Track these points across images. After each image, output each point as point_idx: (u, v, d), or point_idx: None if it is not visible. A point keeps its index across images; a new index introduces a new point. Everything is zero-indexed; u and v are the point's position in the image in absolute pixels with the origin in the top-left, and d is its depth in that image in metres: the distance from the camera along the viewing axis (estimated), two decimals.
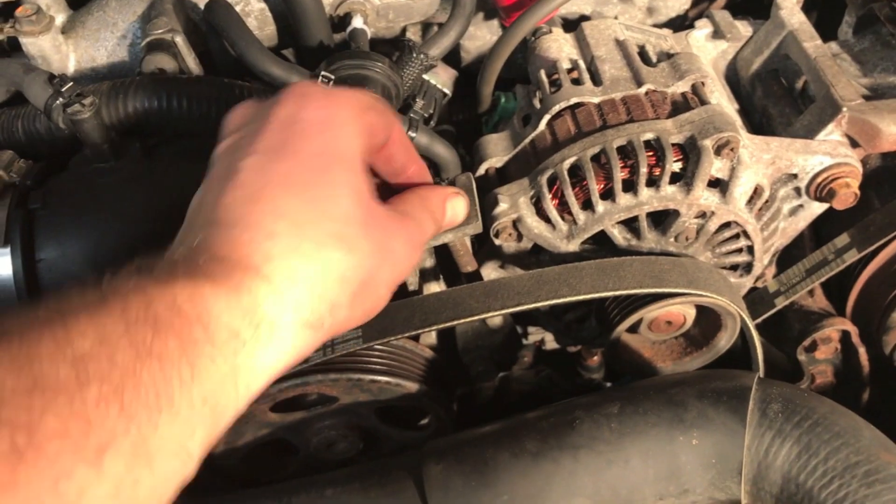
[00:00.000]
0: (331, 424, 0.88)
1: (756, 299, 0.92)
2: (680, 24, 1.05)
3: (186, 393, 0.45)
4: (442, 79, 1.02)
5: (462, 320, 0.79)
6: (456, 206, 0.73)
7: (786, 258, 0.97)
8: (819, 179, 0.86)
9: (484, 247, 0.89)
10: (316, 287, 0.54)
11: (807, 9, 1.14)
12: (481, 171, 0.91)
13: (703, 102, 0.85)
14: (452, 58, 1.06)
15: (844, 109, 0.84)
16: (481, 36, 1.03)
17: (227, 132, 0.62)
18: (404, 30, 1.04)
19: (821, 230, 0.96)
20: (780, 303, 0.90)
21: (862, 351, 0.93)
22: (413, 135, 0.89)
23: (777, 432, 0.67)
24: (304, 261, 0.53)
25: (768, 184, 0.85)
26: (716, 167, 0.80)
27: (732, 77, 1.00)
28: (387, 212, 0.61)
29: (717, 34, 0.97)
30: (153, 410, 0.44)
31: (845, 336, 0.93)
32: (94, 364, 0.42)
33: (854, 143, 0.87)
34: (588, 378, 1.05)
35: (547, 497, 0.71)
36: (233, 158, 0.57)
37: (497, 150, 0.91)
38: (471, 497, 0.73)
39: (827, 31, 1.04)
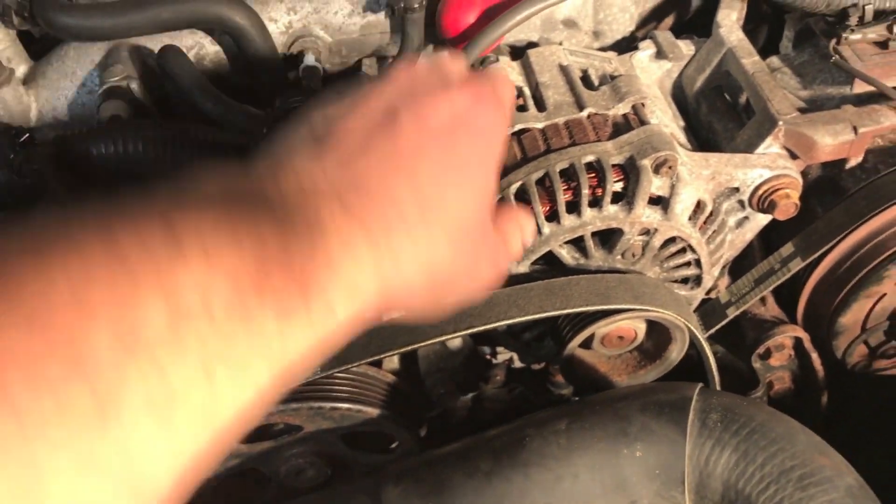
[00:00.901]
0: (298, 452, 0.91)
1: (709, 310, 0.95)
2: (627, 45, 1.08)
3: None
4: None
5: (417, 345, 0.81)
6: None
7: (738, 269, 0.99)
8: (760, 192, 0.88)
9: None
10: (409, 265, 0.49)
11: (757, 24, 1.18)
12: None
13: (643, 123, 0.88)
14: None
15: (780, 123, 0.87)
16: None
17: (391, 84, 0.56)
18: (359, 63, 1.07)
19: (770, 240, 0.98)
20: (732, 313, 0.93)
21: (815, 356, 0.95)
22: None
23: (716, 441, 0.69)
24: (412, 240, 0.49)
25: (710, 198, 0.87)
26: (656, 185, 0.83)
27: (680, 95, 1.03)
28: (494, 232, 0.59)
29: (660, 54, 1.00)
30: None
31: (798, 342, 0.95)
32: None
33: (794, 155, 0.89)
34: (558, 394, 1.07)
35: None
36: (392, 128, 0.52)
37: None
38: None
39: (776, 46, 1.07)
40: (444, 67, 0.60)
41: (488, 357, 1.03)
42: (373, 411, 0.88)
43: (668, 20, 1.14)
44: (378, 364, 0.92)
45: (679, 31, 1.07)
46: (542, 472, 0.73)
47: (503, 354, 1.04)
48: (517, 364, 1.06)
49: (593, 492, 0.72)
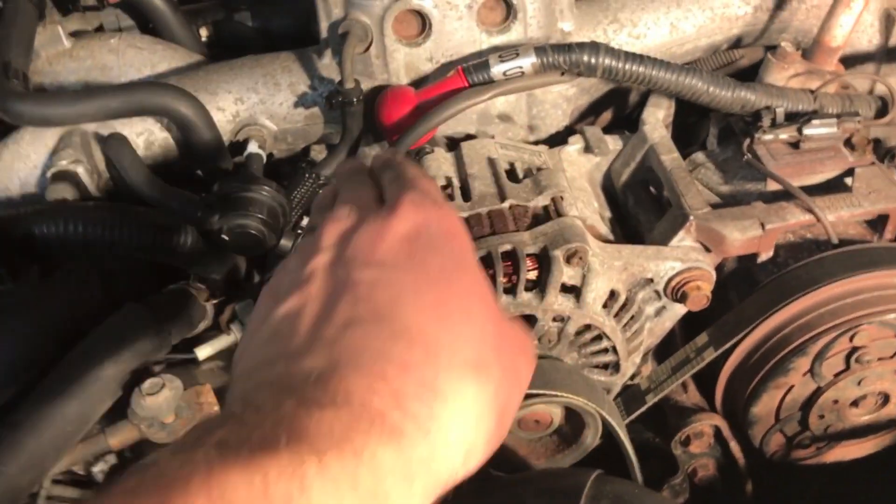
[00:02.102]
0: None
1: (630, 397, 0.97)
2: (562, 139, 1.13)
3: None
4: None
5: None
6: None
7: (664, 356, 1.02)
8: (673, 283, 0.91)
9: None
10: (453, 433, 0.44)
11: (699, 116, 1.23)
12: None
13: (561, 215, 0.92)
14: None
15: (691, 218, 0.91)
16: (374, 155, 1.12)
17: (323, 245, 0.53)
18: (307, 150, 1.12)
19: (693, 329, 1.01)
20: (650, 399, 0.95)
21: (734, 444, 0.97)
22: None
23: None
24: (443, 401, 0.44)
25: (623, 288, 0.91)
26: (568, 275, 0.87)
27: (611, 187, 1.08)
28: (509, 322, 0.53)
29: (588, 149, 1.05)
30: None
31: (717, 431, 0.97)
32: None
33: (708, 249, 0.93)
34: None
35: None
36: (344, 272, 0.49)
37: None
38: None
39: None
40: (348, 188, 0.58)
41: None
42: None
43: (607, 115, 1.20)
44: None
45: (622, 126, 1.12)
46: None
47: None
48: None
49: None
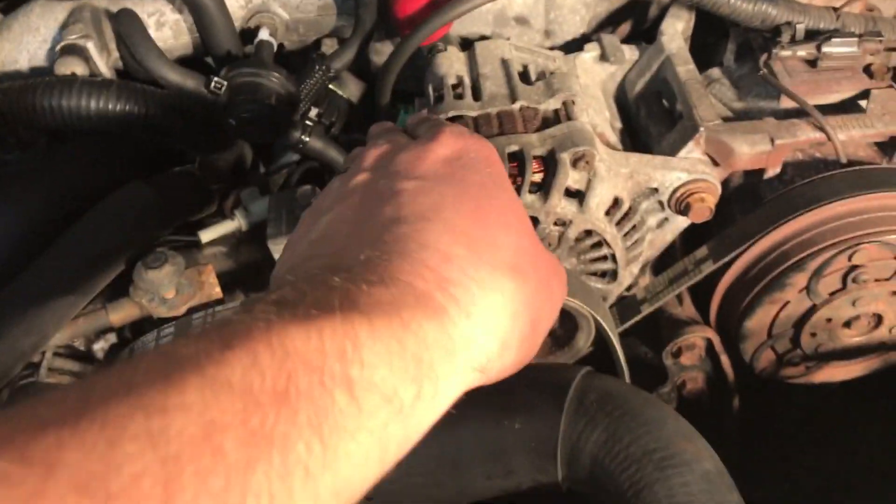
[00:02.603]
0: None
1: (625, 306, 0.98)
2: (577, 47, 1.11)
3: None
4: (350, 90, 1.10)
5: None
6: None
7: (662, 269, 1.03)
8: (677, 194, 0.91)
9: None
10: (491, 321, 0.47)
11: (720, 38, 1.21)
12: None
13: (571, 119, 0.91)
14: (365, 70, 1.13)
15: (702, 129, 0.90)
16: (386, 51, 1.10)
17: (364, 166, 0.56)
18: (318, 42, 1.11)
19: (694, 244, 1.02)
20: (645, 309, 0.96)
21: (724, 358, 0.98)
22: (307, 139, 0.96)
23: (589, 420, 0.73)
24: (483, 291, 0.47)
25: (628, 196, 0.91)
26: (573, 178, 0.87)
27: (623, 98, 1.07)
28: (544, 246, 0.57)
29: (603, 57, 1.04)
30: None
31: (709, 343, 0.98)
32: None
33: (716, 162, 0.93)
34: None
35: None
36: (386, 183, 0.51)
37: None
38: None
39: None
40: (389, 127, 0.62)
41: None
42: None
43: (625, 27, 1.18)
44: None
45: (638, 39, 1.10)
46: (429, 441, 0.77)
47: None
48: None
49: (474, 458, 0.76)
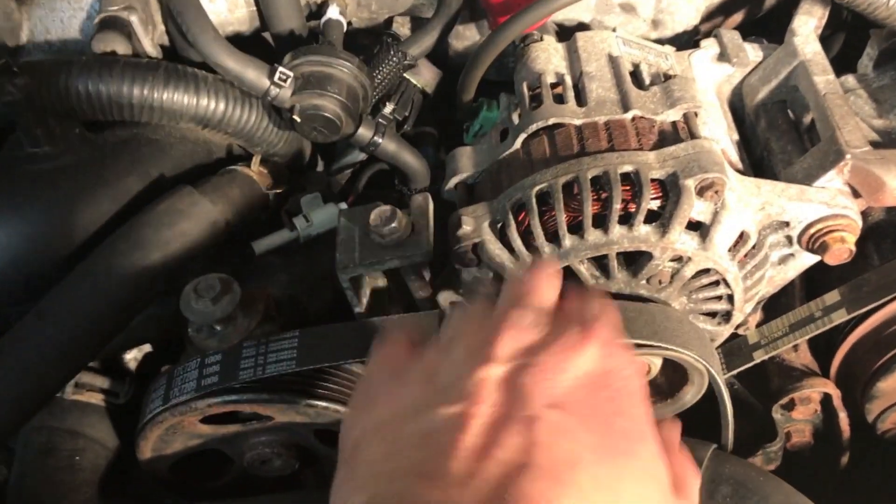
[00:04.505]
0: (266, 441, 0.84)
1: (734, 349, 0.86)
2: (688, 40, 0.97)
3: None
4: (424, 78, 0.96)
5: None
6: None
7: (773, 305, 0.90)
8: (812, 231, 0.78)
9: (444, 270, 0.83)
10: None
11: (833, 30, 1.06)
12: (450, 185, 0.84)
13: (693, 135, 0.78)
14: (440, 55, 0.99)
15: (848, 156, 0.76)
16: (470, 36, 0.96)
17: (498, 354, 0.48)
18: (390, 21, 0.97)
19: (814, 281, 0.89)
20: (759, 357, 0.84)
21: (843, 416, 0.86)
22: (380, 140, 0.83)
23: None
24: None
25: (755, 230, 0.77)
26: (697, 209, 0.73)
27: (738, 104, 0.93)
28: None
29: (723, 56, 0.89)
30: None
31: (827, 399, 0.86)
32: None
33: (856, 194, 0.79)
34: None
35: None
36: (520, 398, 0.46)
37: (468, 165, 0.84)
38: None
39: (851, 58, 0.95)
40: (539, 292, 0.52)
41: None
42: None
43: (737, 16, 1.03)
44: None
45: (748, 31, 0.95)
46: None
47: None
48: None
49: None
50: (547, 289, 0.55)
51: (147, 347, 0.92)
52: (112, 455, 0.86)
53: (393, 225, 0.71)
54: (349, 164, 0.92)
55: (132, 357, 0.92)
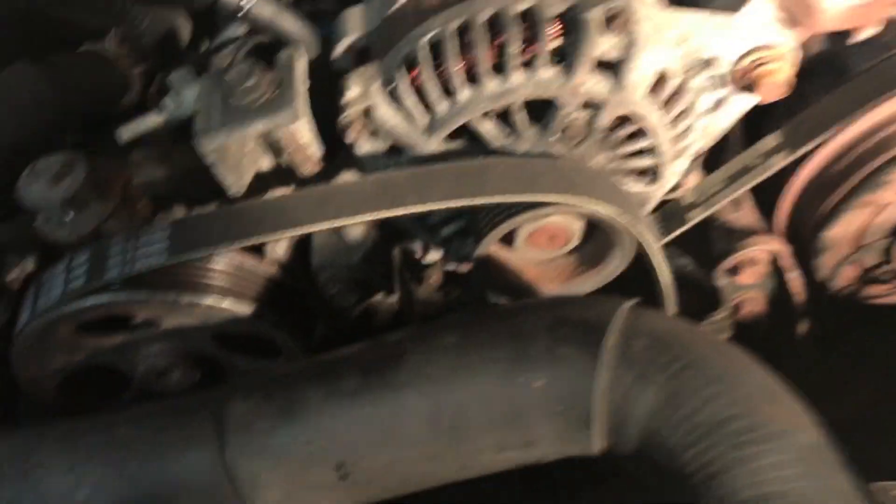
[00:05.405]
0: (158, 351, 0.76)
1: (668, 213, 0.78)
2: None
3: None
4: None
5: (285, 233, 0.65)
6: None
7: (714, 165, 0.82)
8: (742, 65, 0.69)
9: (341, 152, 0.74)
10: None
11: None
12: (340, 50, 0.75)
13: None
14: None
15: None
16: None
17: None
18: None
19: (754, 129, 0.80)
20: (697, 215, 0.76)
21: (794, 275, 0.78)
22: (250, 4, 0.73)
23: (639, 375, 0.54)
24: None
25: (678, 69, 0.69)
26: (606, 45, 0.65)
27: None
28: None
29: None
30: None
31: (776, 258, 0.78)
32: None
33: (793, 22, 0.70)
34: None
35: (363, 443, 0.58)
36: None
37: (358, 26, 0.75)
38: (275, 441, 0.60)
39: None
40: None
41: (417, 255, 0.87)
42: (245, 308, 0.72)
43: None
44: (258, 252, 0.76)
45: None
46: (418, 397, 0.58)
47: (435, 253, 0.88)
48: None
49: (480, 425, 0.57)
50: None
51: (30, 265, 0.84)
52: None
53: (251, 81, 0.62)
54: (228, 39, 0.82)
55: (14, 278, 0.84)
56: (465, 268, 0.89)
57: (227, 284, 0.72)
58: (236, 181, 0.69)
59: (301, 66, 0.65)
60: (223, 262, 0.72)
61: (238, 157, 0.67)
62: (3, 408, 0.78)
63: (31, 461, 0.65)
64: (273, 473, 0.60)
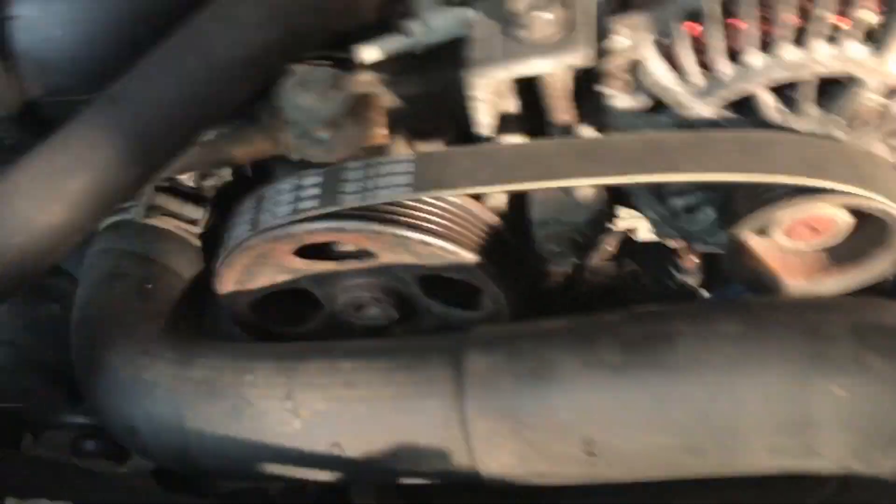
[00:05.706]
0: (364, 284, 0.72)
1: None
2: None
3: None
4: None
5: (541, 184, 0.60)
6: None
7: None
8: None
9: (583, 100, 0.69)
10: None
11: None
12: None
13: None
14: None
15: None
16: None
17: None
18: None
19: None
20: None
21: None
22: None
23: None
24: None
25: None
26: None
27: None
28: None
29: None
30: None
31: None
32: None
33: None
34: (681, 283, 0.87)
35: (620, 423, 0.54)
36: None
37: None
38: (520, 404, 0.56)
39: None
40: None
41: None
42: (468, 255, 0.68)
43: None
44: (479, 199, 0.72)
45: None
46: (693, 385, 0.53)
47: (625, 221, 0.83)
48: (641, 236, 0.86)
49: (759, 424, 0.52)
50: None
51: (227, 174, 0.81)
52: (187, 287, 0.75)
53: (546, 16, 0.57)
54: None
55: (211, 184, 0.81)
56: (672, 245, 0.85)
57: (452, 227, 0.68)
58: (489, 121, 0.64)
59: (597, 6, 0.60)
60: (451, 205, 0.68)
61: (498, 94, 0.63)
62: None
63: (245, 380, 0.63)
64: (511, 437, 0.57)
